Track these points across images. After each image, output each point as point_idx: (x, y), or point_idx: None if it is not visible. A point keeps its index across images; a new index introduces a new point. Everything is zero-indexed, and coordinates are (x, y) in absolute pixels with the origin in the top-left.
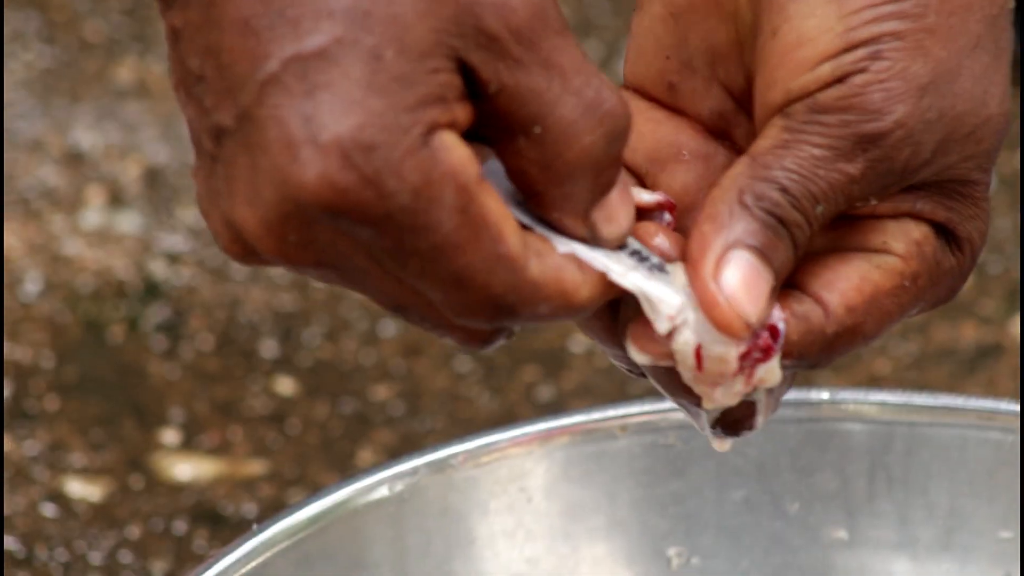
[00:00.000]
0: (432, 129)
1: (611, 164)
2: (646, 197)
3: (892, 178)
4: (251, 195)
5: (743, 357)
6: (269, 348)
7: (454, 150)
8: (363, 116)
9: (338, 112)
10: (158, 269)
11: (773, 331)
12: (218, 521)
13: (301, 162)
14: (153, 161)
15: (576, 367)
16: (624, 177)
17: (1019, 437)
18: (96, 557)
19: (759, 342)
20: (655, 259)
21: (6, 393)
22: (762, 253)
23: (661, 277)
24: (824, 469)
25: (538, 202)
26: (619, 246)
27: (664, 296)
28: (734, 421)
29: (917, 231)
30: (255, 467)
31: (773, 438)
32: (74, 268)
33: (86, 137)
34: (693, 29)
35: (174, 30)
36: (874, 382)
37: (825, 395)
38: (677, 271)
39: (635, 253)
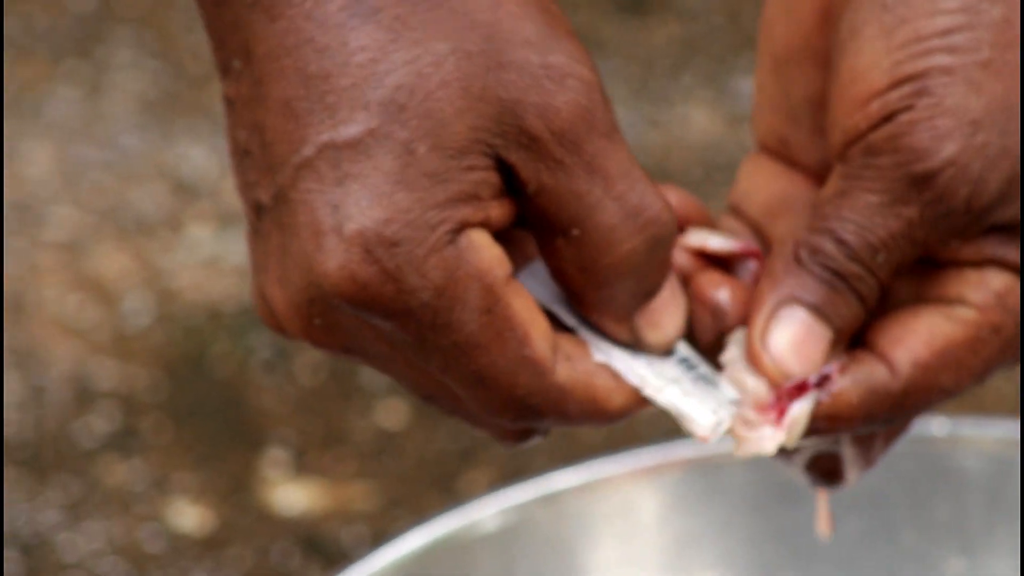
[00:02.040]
0: (462, 227)
1: (654, 270)
2: (714, 243)
3: (958, 219)
4: (281, 275)
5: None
6: (377, 375)
7: (483, 250)
8: (389, 210)
9: (364, 204)
10: None
11: (820, 380)
12: (324, 550)
13: (325, 251)
14: None
15: None
16: (674, 282)
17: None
18: None
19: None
20: (703, 368)
21: (117, 422)
22: (818, 309)
23: (704, 389)
24: (941, 500)
25: (579, 302)
26: (667, 352)
27: (697, 417)
28: (824, 472)
29: (998, 280)
30: (363, 495)
31: (887, 469)
32: (181, 294)
33: (193, 160)
34: (794, 80)
35: (228, 100)
36: (983, 410)
37: (942, 429)
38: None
39: (684, 361)
